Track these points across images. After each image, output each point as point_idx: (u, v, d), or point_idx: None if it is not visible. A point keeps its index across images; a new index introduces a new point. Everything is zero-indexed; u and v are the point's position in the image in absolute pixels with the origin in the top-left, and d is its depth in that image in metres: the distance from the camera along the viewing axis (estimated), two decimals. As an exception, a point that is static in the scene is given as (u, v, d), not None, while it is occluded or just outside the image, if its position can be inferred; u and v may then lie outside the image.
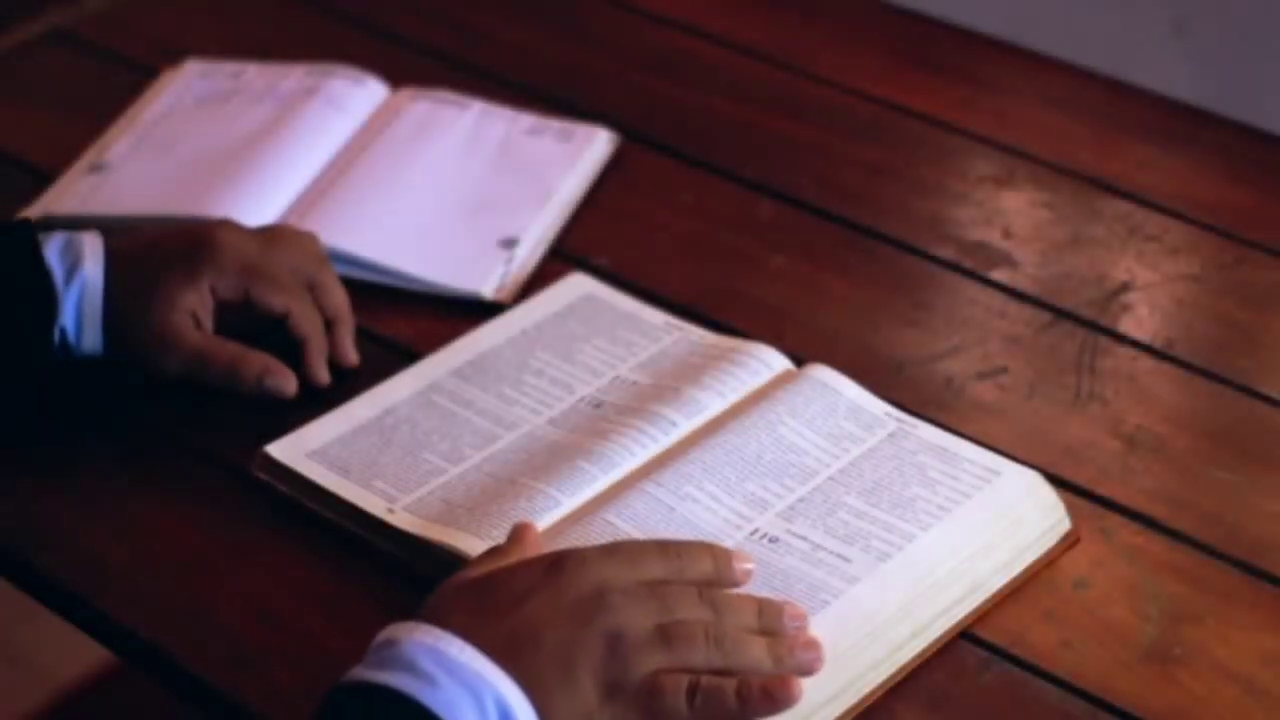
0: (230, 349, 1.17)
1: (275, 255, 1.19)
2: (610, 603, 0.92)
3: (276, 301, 1.18)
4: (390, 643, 0.92)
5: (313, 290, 1.20)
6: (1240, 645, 1.02)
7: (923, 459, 1.09)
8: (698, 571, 0.97)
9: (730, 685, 0.93)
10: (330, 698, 0.91)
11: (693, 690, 0.92)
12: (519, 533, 1.00)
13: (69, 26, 1.55)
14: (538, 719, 0.90)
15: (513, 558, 0.98)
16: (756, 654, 0.94)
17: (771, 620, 0.96)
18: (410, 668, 0.90)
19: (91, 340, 1.16)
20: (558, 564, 0.94)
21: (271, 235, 1.21)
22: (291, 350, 1.18)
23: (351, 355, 1.20)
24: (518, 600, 0.92)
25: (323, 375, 1.19)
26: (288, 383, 1.17)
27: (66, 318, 1.15)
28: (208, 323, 1.18)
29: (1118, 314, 1.25)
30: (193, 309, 1.16)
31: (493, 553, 0.99)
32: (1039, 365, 1.21)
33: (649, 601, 0.93)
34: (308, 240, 1.22)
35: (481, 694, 0.89)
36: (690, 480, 1.07)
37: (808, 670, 0.95)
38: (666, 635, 0.93)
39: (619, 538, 1.03)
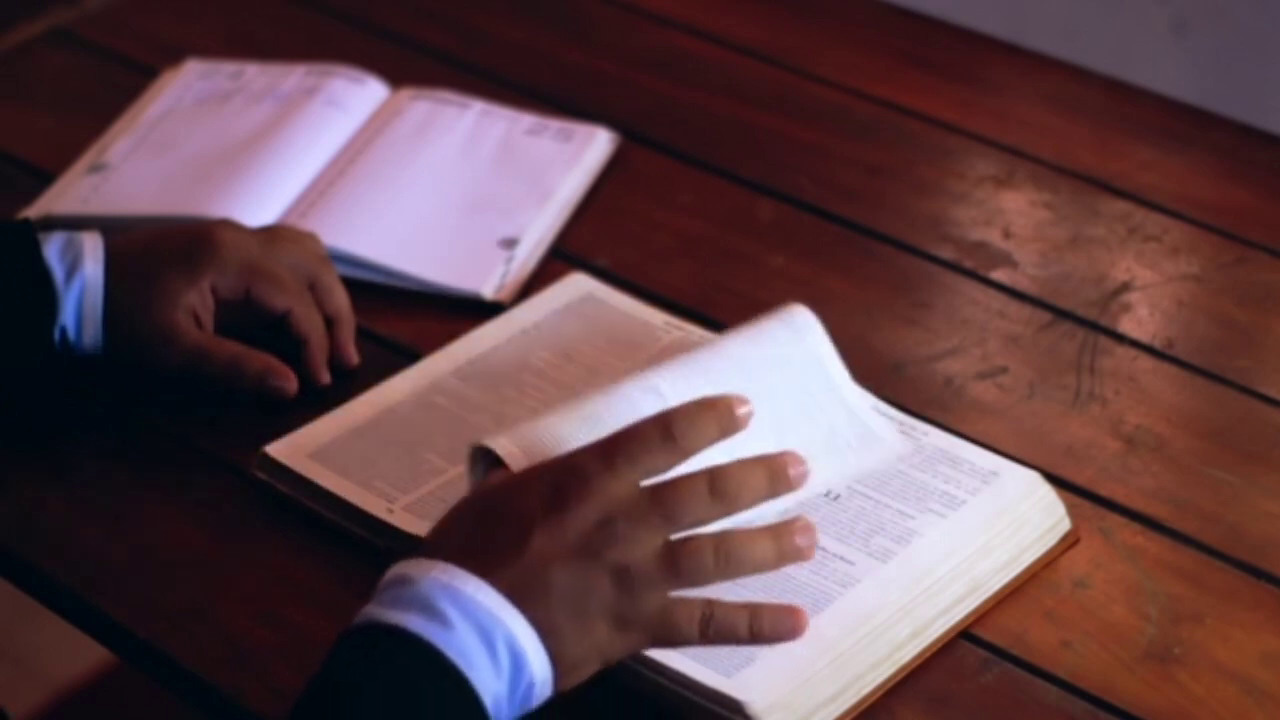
0: (231, 348, 1.17)
1: (276, 254, 1.19)
2: (615, 534, 0.91)
3: (277, 301, 1.18)
4: (404, 580, 0.91)
5: (313, 290, 1.20)
6: (1240, 645, 1.02)
7: (923, 461, 1.09)
8: (704, 440, 0.93)
9: (743, 618, 0.93)
10: (344, 637, 0.91)
11: (706, 621, 0.92)
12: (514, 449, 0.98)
13: (69, 26, 1.55)
14: (549, 661, 0.90)
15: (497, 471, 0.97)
16: (760, 555, 0.93)
17: (780, 482, 0.93)
18: (426, 608, 0.89)
19: (92, 339, 1.16)
20: (560, 490, 0.92)
21: (272, 235, 1.21)
22: (292, 350, 1.18)
23: (352, 355, 1.20)
24: (523, 534, 0.91)
25: (323, 375, 1.19)
26: (288, 382, 1.17)
27: (67, 317, 1.15)
28: (208, 322, 1.18)
29: (1118, 314, 1.25)
30: (193, 308, 1.17)
31: None
32: (1039, 365, 1.21)
33: (653, 517, 0.91)
34: (309, 240, 1.22)
35: (493, 634, 0.89)
36: None
37: (807, 554, 0.94)
38: (674, 561, 0.91)
39: None
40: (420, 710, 0.88)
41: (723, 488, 0.93)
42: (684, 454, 0.93)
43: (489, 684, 0.89)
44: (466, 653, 0.88)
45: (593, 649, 0.92)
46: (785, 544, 0.93)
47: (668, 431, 0.93)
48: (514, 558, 0.90)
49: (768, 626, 0.93)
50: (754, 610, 0.93)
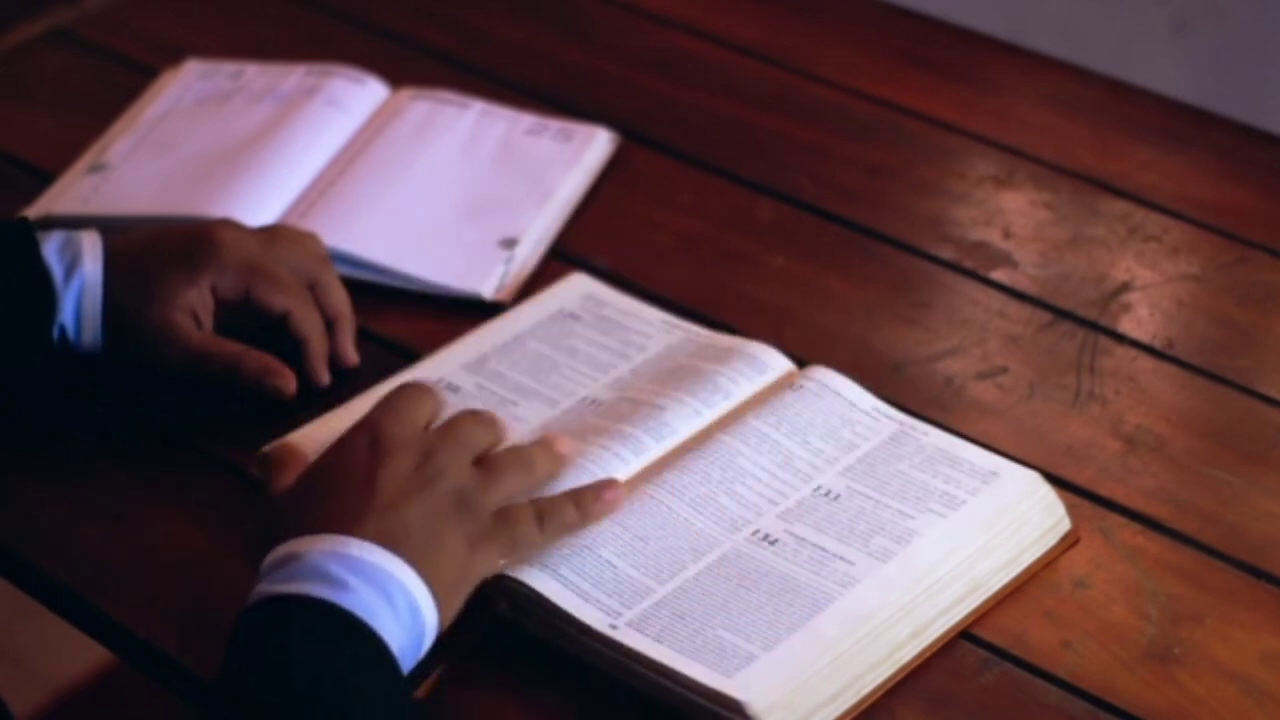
0: (230, 348, 1.17)
1: (276, 254, 1.19)
2: (440, 463, 1.00)
3: (277, 301, 1.18)
4: (291, 557, 0.95)
5: (313, 290, 1.20)
6: (1240, 645, 1.02)
7: (923, 461, 1.09)
8: (439, 394, 1.06)
9: (568, 503, 1.03)
10: (244, 617, 0.94)
11: (539, 515, 1.02)
12: (281, 455, 1.08)
13: (69, 26, 1.55)
14: (432, 596, 0.95)
15: (292, 461, 1.06)
16: (547, 462, 1.05)
17: (499, 425, 1.06)
18: (321, 575, 0.93)
19: (91, 338, 1.16)
20: (371, 439, 1.00)
21: (272, 234, 1.21)
22: (292, 350, 1.18)
23: (352, 355, 1.20)
24: (367, 486, 0.98)
25: (323, 376, 1.19)
26: (287, 382, 1.17)
27: (66, 316, 1.15)
28: (208, 322, 1.18)
29: (1118, 314, 1.25)
30: (193, 307, 1.16)
31: (275, 464, 1.07)
32: (1039, 365, 1.21)
33: (455, 446, 1.02)
34: (309, 240, 1.22)
35: (389, 588, 0.94)
36: (689, 485, 1.07)
37: (572, 459, 1.07)
38: (489, 471, 1.02)
39: (622, 539, 1.03)
40: (343, 669, 0.91)
41: (484, 417, 1.05)
42: (435, 399, 1.05)
43: (395, 635, 0.94)
44: (371, 608, 0.93)
45: (458, 572, 0.98)
46: (556, 451, 1.06)
47: (420, 385, 1.06)
48: (370, 507, 0.97)
49: (591, 503, 1.04)
50: (576, 494, 1.04)
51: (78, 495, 1.13)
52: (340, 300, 1.21)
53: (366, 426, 1.02)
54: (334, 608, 0.92)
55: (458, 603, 0.98)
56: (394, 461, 0.99)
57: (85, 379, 1.17)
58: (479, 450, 1.03)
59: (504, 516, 1.01)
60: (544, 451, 1.06)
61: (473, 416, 1.05)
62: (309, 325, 1.18)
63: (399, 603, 0.94)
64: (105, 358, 1.17)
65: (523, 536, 1.01)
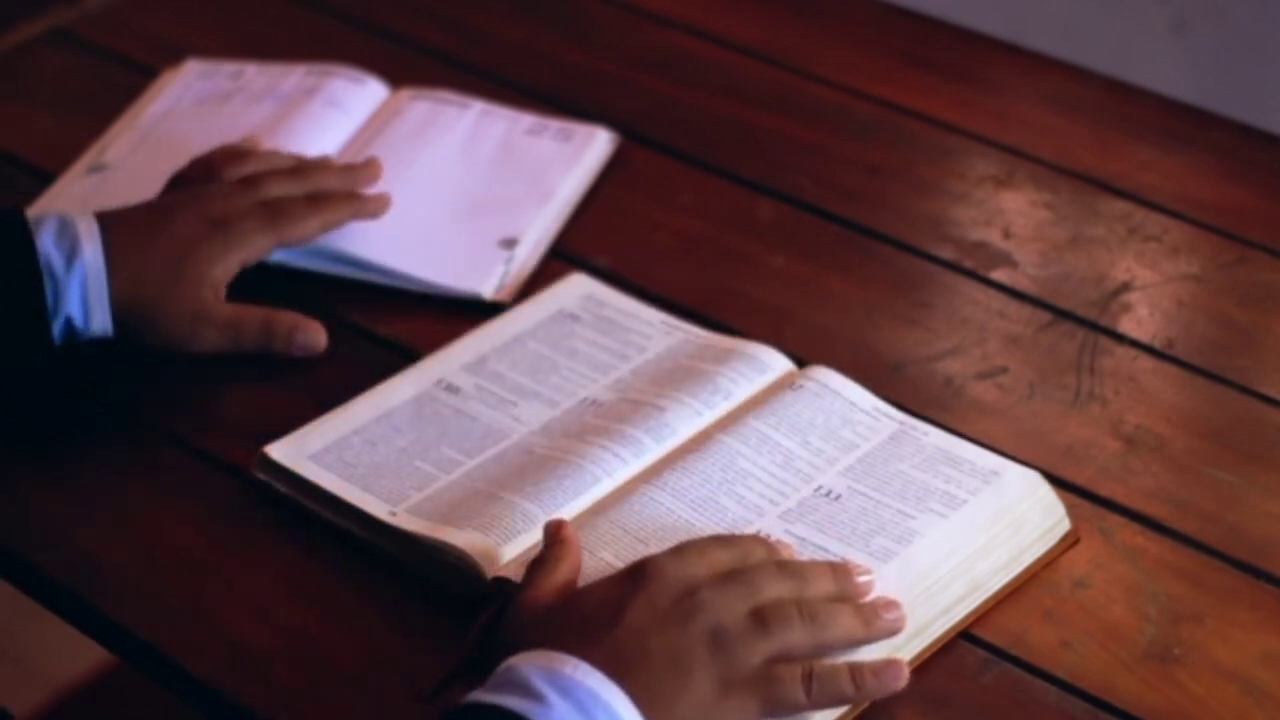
0: (258, 312, 1.18)
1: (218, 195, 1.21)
2: (703, 599, 0.94)
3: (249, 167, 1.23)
4: (508, 670, 0.92)
5: (259, 185, 1.23)
6: (1240, 645, 1.02)
7: (923, 461, 1.09)
8: (756, 559, 0.99)
9: (843, 670, 0.95)
10: (443, 718, 0.91)
11: (808, 677, 0.94)
12: (555, 533, 1.01)
13: (69, 26, 1.55)
14: None
15: (562, 562, 0.99)
16: (848, 623, 0.97)
17: (845, 581, 0.99)
18: (524, 689, 0.90)
19: (101, 323, 1.15)
20: (639, 573, 0.95)
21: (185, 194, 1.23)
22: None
23: (319, 339, 1.21)
24: (614, 614, 0.93)
25: (319, 338, 1.20)
26: (318, 336, 1.19)
27: (72, 305, 1.15)
28: (224, 294, 1.18)
29: (1118, 314, 1.25)
30: (218, 283, 1.17)
31: (539, 564, 0.99)
32: (1039, 365, 1.21)
33: (737, 586, 0.95)
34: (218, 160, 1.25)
35: (592, 709, 0.89)
36: (690, 487, 1.07)
37: (895, 630, 0.98)
38: (763, 619, 0.94)
39: (623, 541, 1.03)
40: None
41: (791, 569, 0.98)
42: (740, 557, 0.98)
43: None
44: None
45: (702, 711, 0.92)
46: (869, 613, 0.98)
47: (723, 541, 0.99)
48: (608, 633, 0.92)
49: (870, 679, 0.95)
50: (854, 666, 0.95)
51: (78, 495, 1.13)
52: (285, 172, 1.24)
53: (640, 563, 0.96)
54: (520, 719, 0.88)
55: None
56: (652, 590, 0.94)
57: (86, 378, 1.17)
58: (763, 600, 0.95)
59: (768, 669, 0.93)
60: (854, 613, 0.97)
61: (777, 568, 0.97)
62: (281, 315, 1.19)
63: None
64: (116, 343, 1.16)
65: (784, 697, 0.93)
